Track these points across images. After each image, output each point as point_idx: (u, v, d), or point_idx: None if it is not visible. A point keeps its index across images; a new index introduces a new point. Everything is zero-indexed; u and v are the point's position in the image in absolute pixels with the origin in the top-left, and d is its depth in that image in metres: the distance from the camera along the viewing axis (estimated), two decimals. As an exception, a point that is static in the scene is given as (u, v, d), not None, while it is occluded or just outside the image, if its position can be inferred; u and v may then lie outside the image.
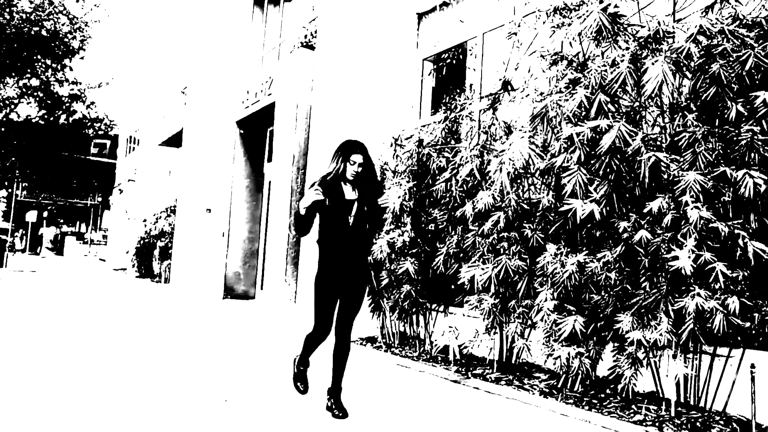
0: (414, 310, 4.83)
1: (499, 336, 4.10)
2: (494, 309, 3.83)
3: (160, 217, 14.07)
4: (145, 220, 15.40)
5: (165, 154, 16.34)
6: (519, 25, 3.73)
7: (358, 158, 2.93)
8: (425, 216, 4.76)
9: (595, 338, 3.37)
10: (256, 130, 9.54)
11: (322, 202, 2.86)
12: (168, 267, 12.88)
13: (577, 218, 3.03)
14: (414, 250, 4.70)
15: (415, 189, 4.81)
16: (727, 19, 3.04)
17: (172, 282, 12.32)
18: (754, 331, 2.91)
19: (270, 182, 9.07)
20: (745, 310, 2.83)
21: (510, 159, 3.09)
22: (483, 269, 3.77)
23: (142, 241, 14.85)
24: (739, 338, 2.99)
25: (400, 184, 4.66)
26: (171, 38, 17.18)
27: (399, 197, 4.64)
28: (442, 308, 4.81)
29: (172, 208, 13.61)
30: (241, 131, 9.57)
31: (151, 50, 20.65)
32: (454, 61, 5.58)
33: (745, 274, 2.87)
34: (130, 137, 22.76)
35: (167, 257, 13.05)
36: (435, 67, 5.86)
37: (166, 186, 16.06)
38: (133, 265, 15.57)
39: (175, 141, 14.38)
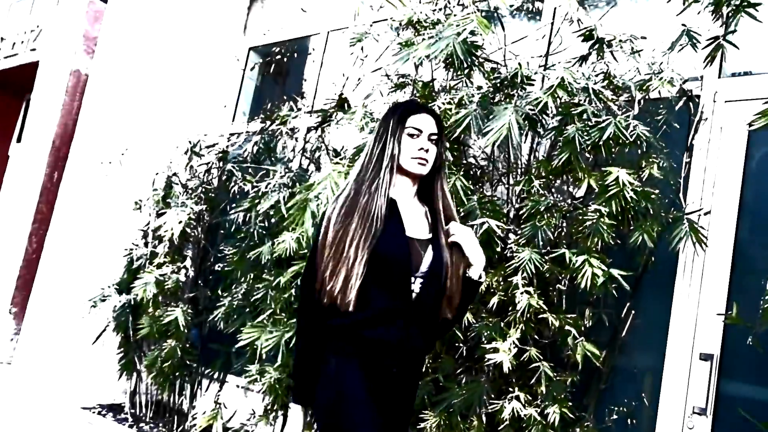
0: (178, 373, 4.53)
1: (282, 422, 3.97)
2: (278, 385, 3.69)
3: None
4: None
5: None
6: (365, 33, 3.73)
7: (427, 126, 2.07)
8: (213, 252, 4.55)
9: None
10: (6, 94, 8.71)
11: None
12: None
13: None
14: (190, 295, 4.45)
15: (206, 214, 4.59)
16: (598, 75, 3.29)
17: None
18: (570, 450, 3.06)
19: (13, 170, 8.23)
20: (566, 424, 2.97)
21: (316, 196, 3.02)
22: (271, 332, 3.63)
23: None
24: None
25: (186, 205, 4.40)
26: None
27: (181, 222, 4.37)
28: (217, 375, 4.59)
29: None
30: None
31: None
32: (288, 60, 5.50)
33: (574, 379, 3.03)
34: None
35: None
36: (263, 62, 5.73)
37: None
38: None
39: None
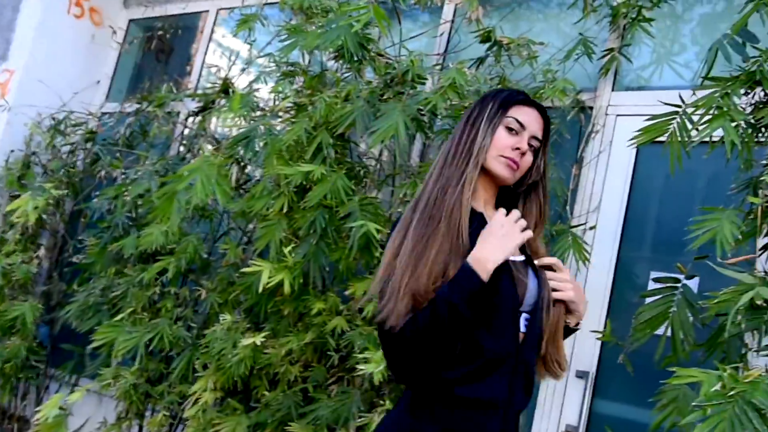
0: (22, 375, 4.38)
1: (138, 431, 3.91)
2: (134, 391, 3.64)
3: None
4: None
5: None
6: (254, 15, 3.72)
7: (531, 124, 1.75)
8: (73, 242, 4.43)
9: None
10: None
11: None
12: None
13: (260, 286, 3.03)
14: (43, 289, 4.32)
15: (67, 200, 4.46)
16: (493, 79, 3.42)
17: None
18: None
19: None
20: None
21: (186, 188, 2.99)
22: (130, 333, 3.56)
23: None
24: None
25: (44, 189, 4.25)
26: None
27: (37, 207, 4.21)
28: (68, 378, 4.47)
29: None
30: None
31: None
32: (173, 37, 5.40)
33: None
34: None
35: None
36: (145, 36, 5.61)
37: None
38: None
39: None
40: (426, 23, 4.11)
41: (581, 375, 3.12)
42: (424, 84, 3.22)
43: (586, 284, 3.21)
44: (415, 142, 3.64)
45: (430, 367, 1.57)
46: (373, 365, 2.88)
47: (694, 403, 1.70)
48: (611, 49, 3.32)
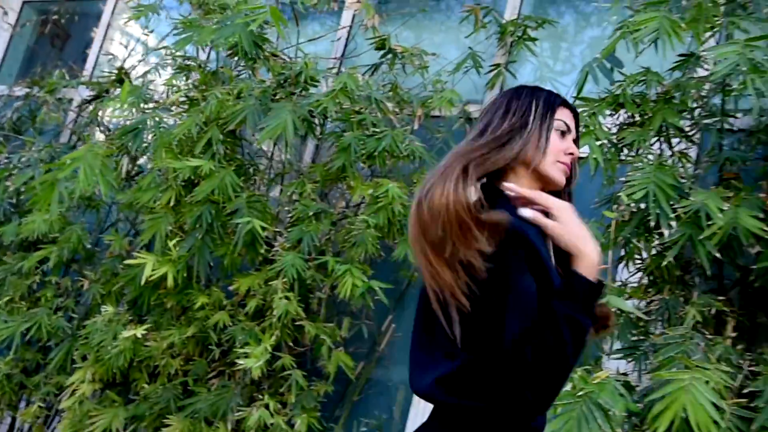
0: None
1: (10, 422, 3.75)
2: (6, 381, 3.49)
3: None
4: None
5: None
6: (152, 6, 3.62)
7: (573, 126, 1.57)
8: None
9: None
10: None
11: None
12: None
13: (143, 278, 2.96)
14: None
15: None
16: (386, 85, 3.45)
17: None
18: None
19: None
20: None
21: (67, 177, 2.89)
22: (6, 322, 3.42)
23: None
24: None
25: None
26: None
27: None
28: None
29: None
30: None
31: None
32: (69, 23, 5.19)
33: (328, 390, 3.15)
34: None
35: None
36: (40, 19, 5.37)
37: None
38: None
39: None
40: (332, 26, 4.10)
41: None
42: (316, 86, 3.22)
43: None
44: (307, 144, 3.63)
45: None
46: (253, 360, 2.86)
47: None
48: (498, 65, 3.41)
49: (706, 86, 2.65)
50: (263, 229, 2.93)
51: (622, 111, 2.67)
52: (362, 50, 3.77)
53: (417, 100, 3.31)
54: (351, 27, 3.92)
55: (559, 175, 1.52)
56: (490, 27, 3.48)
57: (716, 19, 2.53)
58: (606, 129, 2.63)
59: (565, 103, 1.57)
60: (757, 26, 2.42)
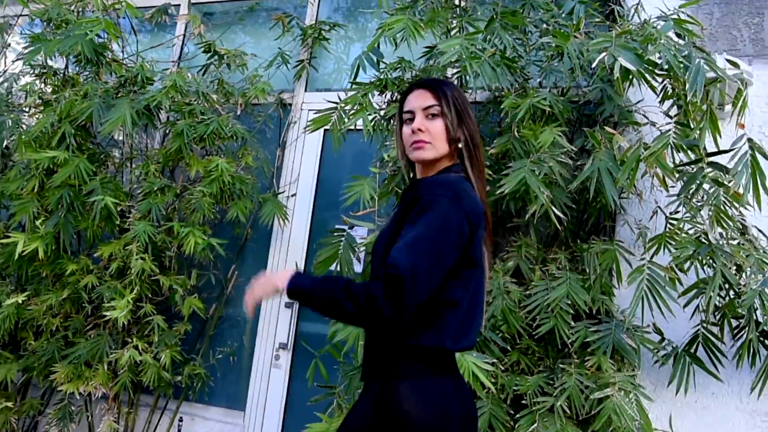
0: None
1: None
2: None
3: None
4: None
5: None
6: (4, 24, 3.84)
7: (419, 101, 1.70)
8: None
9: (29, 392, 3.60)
10: None
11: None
12: None
13: (17, 254, 3.25)
14: None
15: None
16: (213, 82, 3.83)
17: None
18: (183, 385, 3.59)
19: None
20: (177, 365, 3.49)
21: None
22: None
23: None
24: (172, 391, 3.64)
25: None
26: None
27: None
28: None
29: None
30: None
31: None
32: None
33: (187, 329, 3.57)
34: None
35: None
36: None
37: None
38: None
39: None
40: (170, 36, 4.42)
41: (288, 305, 3.67)
42: (152, 84, 3.58)
43: (290, 236, 3.76)
44: (155, 133, 3.97)
45: None
46: (119, 311, 3.24)
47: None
48: (302, 60, 3.89)
49: (449, 71, 3.20)
50: (117, 205, 3.29)
51: (387, 92, 3.19)
52: (195, 54, 4.15)
53: (238, 92, 3.74)
54: (184, 35, 4.28)
55: (416, 155, 1.69)
56: (294, 31, 3.94)
57: (452, 19, 3.07)
58: (376, 106, 3.14)
59: (410, 89, 1.75)
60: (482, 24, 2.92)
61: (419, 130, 1.67)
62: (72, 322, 3.54)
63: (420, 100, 1.71)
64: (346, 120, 3.08)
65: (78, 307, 3.54)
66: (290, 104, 3.94)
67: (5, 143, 3.53)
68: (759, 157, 2.25)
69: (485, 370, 2.39)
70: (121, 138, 3.85)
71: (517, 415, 2.55)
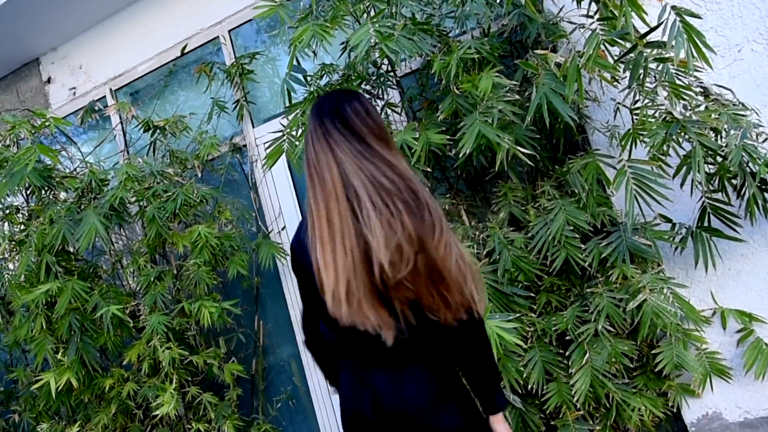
0: None
1: None
2: None
3: None
4: None
5: None
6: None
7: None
8: None
9: None
10: None
11: None
12: None
13: (53, 391, 3.25)
14: None
15: None
16: (164, 156, 3.79)
17: None
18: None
19: None
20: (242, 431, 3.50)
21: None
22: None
23: None
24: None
25: None
26: None
27: None
28: None
29: None
30: None
31: None
32: None
33: (237, 394, 3.56)
34: None
35: None
36: None
37: None
38: None
39: None
40: (109, 129, 4.39)
41: (321, 332, 3.65)
42: (107, 184, 3.54)
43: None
44: (135, 224, 3.93)
45: None
46: (166, 406, 3.20)
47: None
48: (238, 101, 3.84)
49: (373, 55, 3.14)
50: (122, 311, 3.27)
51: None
52: (138, 136, 4.12)
53: (191, 155, 3.70)
54: (121, 123, 4.24)
55: None
56: (219, 75, 3.89)
57: (353, 7, 3.00)
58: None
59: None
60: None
61: None
62: (131, 431, 3.55)
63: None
64: (297, 143, 3.04)
65: (130, 416, 3.54)
66: (244, 145, 3.90)
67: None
68: (689, 18, 2.18)
69: (512, 329, 2.35)
70: (101, 244, 3.83)
71: (567, 353, 2.52)
